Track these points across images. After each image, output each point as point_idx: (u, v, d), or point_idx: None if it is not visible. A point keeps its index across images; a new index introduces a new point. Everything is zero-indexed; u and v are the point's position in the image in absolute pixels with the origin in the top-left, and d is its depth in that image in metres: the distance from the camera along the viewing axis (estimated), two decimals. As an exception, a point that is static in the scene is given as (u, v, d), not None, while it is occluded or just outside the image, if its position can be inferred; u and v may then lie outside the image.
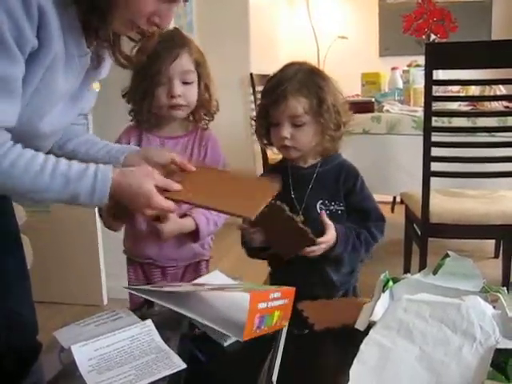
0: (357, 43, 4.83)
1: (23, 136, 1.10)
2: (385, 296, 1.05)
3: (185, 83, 1.52)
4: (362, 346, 0.87)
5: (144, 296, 1.06)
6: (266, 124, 1.41)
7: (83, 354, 0.92)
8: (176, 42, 1.52)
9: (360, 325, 1.01)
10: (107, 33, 1.14)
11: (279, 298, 1.00)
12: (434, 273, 1.09)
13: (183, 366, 0.91)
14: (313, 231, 1.27)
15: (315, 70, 1.42)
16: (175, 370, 0.90)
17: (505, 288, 1.04)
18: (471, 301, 0.91)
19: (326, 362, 1.01)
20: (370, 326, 0.94)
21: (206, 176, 1.28)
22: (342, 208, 1.40)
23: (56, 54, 1.06)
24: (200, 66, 1.56)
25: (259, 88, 3.94)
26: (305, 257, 1.30)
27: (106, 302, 2.81)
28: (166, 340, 0.96)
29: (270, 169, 1.66)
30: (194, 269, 1.64)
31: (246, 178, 1.33)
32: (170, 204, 1.15)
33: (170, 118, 1.57)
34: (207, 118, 1.62)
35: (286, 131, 1.36)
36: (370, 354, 0.86)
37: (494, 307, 0.94)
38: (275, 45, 4.73)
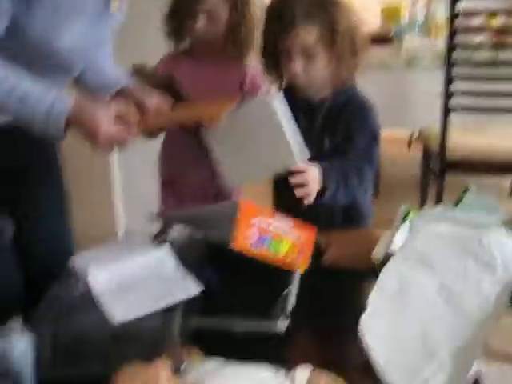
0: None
1: (38, 52, 1.08)
2: (404, 227, 1.03)
3: None
4: (381, 275, 0.87)
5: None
6: (275, 55, 1.28)
7: (100, 279, 0.93)
8: None
9: (377, 254, 1.00)
10: None
11: (290, 228, 0.99)
12: (455, 205, 1.07)
13: (198, 290, 0.91)
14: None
15: None
16: (191, 294, 0.90)
17: None
18: (493, 234, 0.90)
19: (342, 295, 1.01)
20: (389, 256, 0.93)
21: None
22: None
23: None
24: None
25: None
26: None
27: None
28: (183, 265, 0.96)
29: None
30: (223, 198, 1.62)
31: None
32: (120, 132, 1.08)
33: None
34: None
35: (299, 66, 1.24)
36: (389, 282, 0.86)
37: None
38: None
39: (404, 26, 3.09)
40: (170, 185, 1.66)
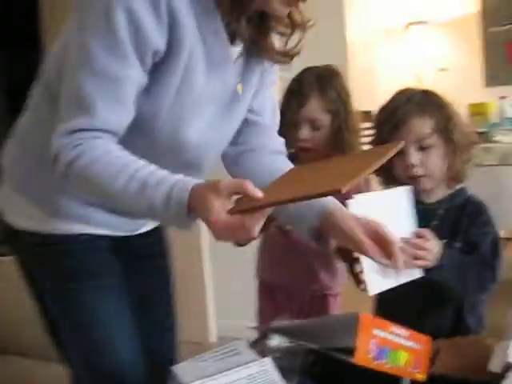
0: (459, 75, 4.68)
1: (171, 149, 1.08)
2: None
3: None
4: None
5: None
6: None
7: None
8: None
9: (494, 366, 0.93)
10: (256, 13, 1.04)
11: (406, 338, 0.94)
12: None
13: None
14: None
15: (430, 91, 1.30)
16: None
17: None
18: None
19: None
20: (509, 367, 0.86)
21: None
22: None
23: (191, 53, 1.00)
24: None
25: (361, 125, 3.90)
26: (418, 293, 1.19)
27: (214, 339, 2.81)
28: (285, 378, 0.93)
29: None
30: (320, 302, 1.61)
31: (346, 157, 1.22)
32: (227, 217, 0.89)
33: None
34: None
35: (414, 158, 1.21)
36: None
37: None
38: (374, 81, 4.69)
39: (494, 123, 3.06)
40: (268, 288, 1.65)
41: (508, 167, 2.48)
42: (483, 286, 1.24)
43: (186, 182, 0.93)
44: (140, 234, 1.26)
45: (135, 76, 0.97)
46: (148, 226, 1.26)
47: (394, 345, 0.93)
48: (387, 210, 1.12)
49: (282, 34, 1.10)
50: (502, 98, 3.28)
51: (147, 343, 1.22)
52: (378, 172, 1.30)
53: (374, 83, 4.67)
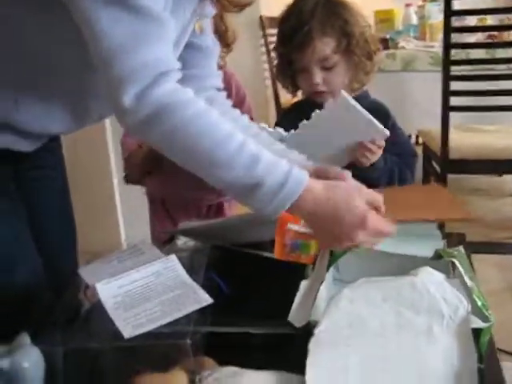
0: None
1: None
2: (328, 277, 0.88)
3: None
4: (311, 347, 0.72)
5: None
6: (291, 71, 1.31)
7: (108, 292, 0.91)
8: None
9: (296, 319, 0.82)
10: None
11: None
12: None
13: (210, 300, 0.89)
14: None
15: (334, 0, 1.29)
16: (202, 305, 0.88)
17: (461, 248, 0.89)
18: (424, 273, 0.75)
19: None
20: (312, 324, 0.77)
21: None
22: None
23: None
24: None
25: (269, 31, 3.84)
26: None
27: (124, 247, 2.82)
28: (191, 274, 0.95)
29: (286, 112, 1.53)
30: (216, 210, 1.62)
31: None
32: (389, 226, 0.85)
33: None
34: (224, 51, 1.53)
35: (318, 77, 1.26)
36: (323, 357, 0.71)
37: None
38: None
39: (398, 30, 3.11)
40: (160, 202, 1.65)
41: (410, 73, 2.55)
42: (404, 183, 1.33)
43: (301, 173, 0.84)
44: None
45: None
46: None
47: (305, 236, 0.95)
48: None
49: None
50: (408, 5, 3.32)
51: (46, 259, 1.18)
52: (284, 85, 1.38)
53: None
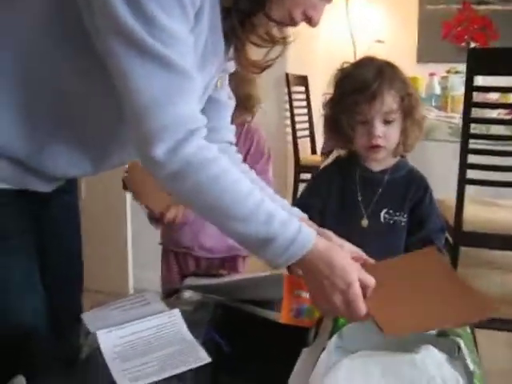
0: (394, 48, 4.77)
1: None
2: (330, 346, 0.85)
3: None
4: None
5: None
6: (353, 122, 1.30)
7: (108, 341, 0.91)
8: None
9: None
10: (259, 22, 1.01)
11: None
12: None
13: (208, 359, 0.90)
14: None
15: (393, 64, 1.34)
16: (200, 364, 0.88)
17: (468, 329, 0.90)
18: (426, 352, 0.77)
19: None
20: None
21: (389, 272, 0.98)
22: (405, 220, 1.32)
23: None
24: None
25: (294, 88, 3.92)
26: None
27: (131, 291, 2.82)
28: (192, 330, 0.95)
29: (322, 171, 1.49)
30: (230, 265, 1.63)
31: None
32: (363, 311, 0.88)
33: None
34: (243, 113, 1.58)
35: (380, 130, 1.27)
36: None
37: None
38: (312, 46, 4.70)
39: (422, 97, 3.15)
40: (175, 254, 1.67)
41: (430, 142, 2.56)
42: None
43: (309, 231, 0.92)
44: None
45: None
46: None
47: (310, 301, 0.97)
48: None
49: (258, 46, 1.07)
50: (432, 74, 3.36)
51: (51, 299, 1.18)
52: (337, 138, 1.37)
53: (312, 48, 4.70)
